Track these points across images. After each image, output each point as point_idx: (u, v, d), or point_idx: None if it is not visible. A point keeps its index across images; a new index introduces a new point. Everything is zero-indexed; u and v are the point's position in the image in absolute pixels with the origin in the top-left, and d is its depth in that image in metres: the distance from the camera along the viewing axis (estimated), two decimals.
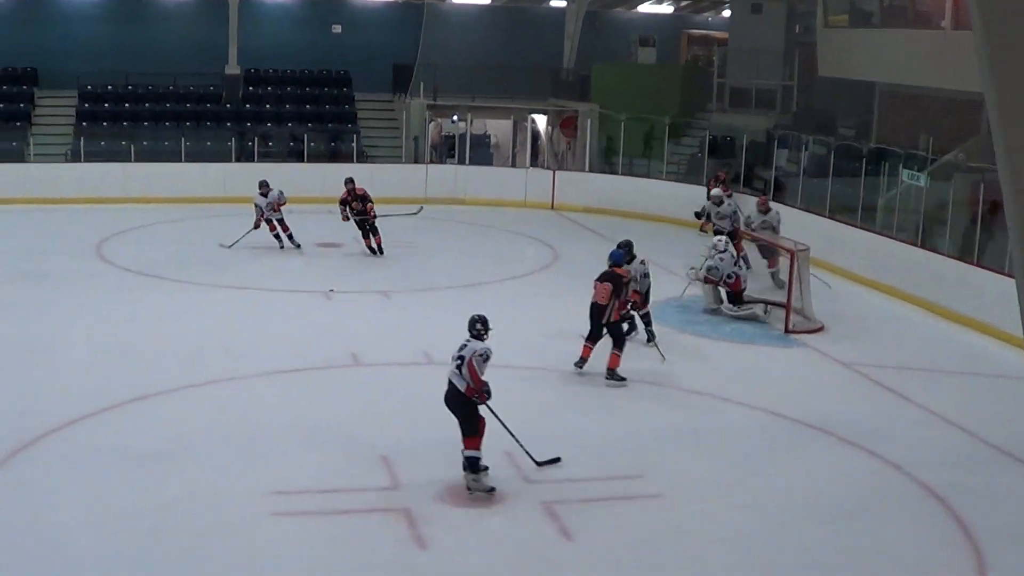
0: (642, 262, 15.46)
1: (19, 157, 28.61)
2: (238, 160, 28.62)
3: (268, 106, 32.79)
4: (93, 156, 28.12)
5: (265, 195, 21.18)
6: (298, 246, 21.59)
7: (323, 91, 33.95)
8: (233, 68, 32.32)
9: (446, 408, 10.34)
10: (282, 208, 21.49)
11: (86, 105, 31.57)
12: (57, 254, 21.47)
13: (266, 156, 29.42)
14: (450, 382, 10.33)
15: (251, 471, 10.78)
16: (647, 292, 15.62)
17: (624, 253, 14.68)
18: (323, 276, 19.67)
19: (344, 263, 20.70)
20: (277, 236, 21.49)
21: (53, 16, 34.35)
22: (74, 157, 28.60)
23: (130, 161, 27.90)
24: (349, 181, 21.18)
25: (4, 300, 17.65)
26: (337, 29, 35.51)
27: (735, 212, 20.25)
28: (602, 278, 13.87)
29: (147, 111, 31.72)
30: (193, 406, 12.88)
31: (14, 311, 16.93)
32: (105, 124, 30.65)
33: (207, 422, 12.25)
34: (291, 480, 10.62)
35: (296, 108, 32.76)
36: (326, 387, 13.66)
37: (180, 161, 28.04)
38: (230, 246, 20.69)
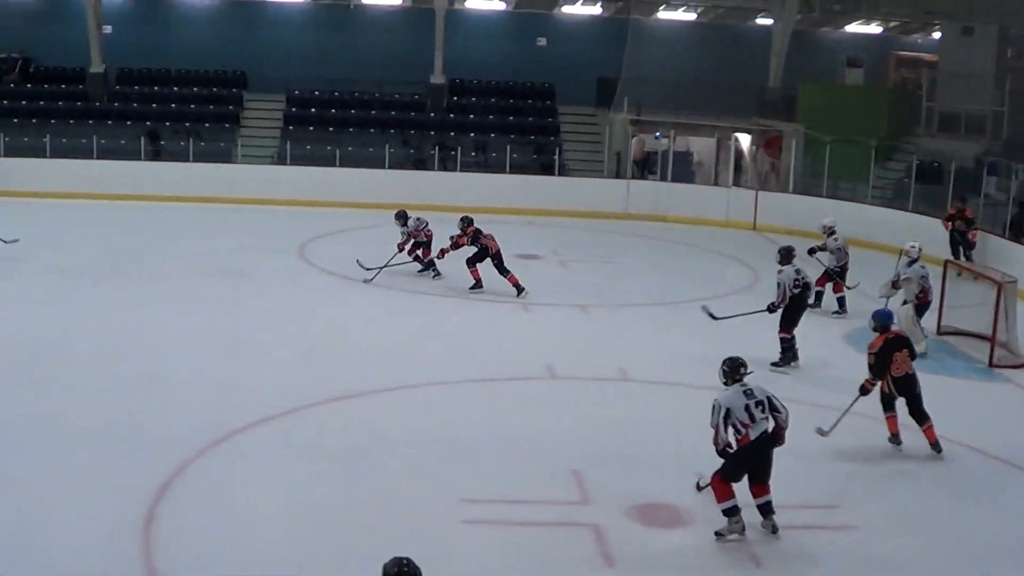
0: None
1: (227, 158, 29.94)
2: (440, 169, 29.07)
3: (472, 116, 33.26)
4: (299, 159, 29.28)
5: (404, 225, 20.70)
6: (436, 275, 20.47)
7: (527, 103, 34.37)
8: (438, 78, 33.01)
9: (758, 455, 9.78)
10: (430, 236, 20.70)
11: (293, 109, 32.79)
12: (261, 253, 22.43)
13: (467, 166, 29.93)
14: (763, 430, 9.73)
15: (444, 477, 10.91)
16: None
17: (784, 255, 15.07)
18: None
19: (543, 275, 20.71)
20: (418, 259, 20.75)
21: (263, 21, 35.95)
22: (280, 160, 29.78)
23: (334, 166, 28.89)
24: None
25: (208, 296, 18.52)
26: (542, 42, 35.91)
27: (840, 248, 19.49)
28: (897, 346, 12.01)
29: (352, 117, 32.65)
30: (389, 409, 13.16)
31: (218, 307, 17.75)
32: (311, 129, 31.77)
33: (402, 425, 12.47)
34: (482, 488, 10.69)
35: (499, 119, 33.16)
36: (521, 398, 13.73)
37: (383, 168, 28.76)
38: (370, 280, 20.05)
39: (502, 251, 19.05)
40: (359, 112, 32.81)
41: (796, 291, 15.05)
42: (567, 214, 27.12)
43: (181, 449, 11.20)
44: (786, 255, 15.37)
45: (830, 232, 19.25)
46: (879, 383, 11.89)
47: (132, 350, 15.07)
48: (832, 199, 27.62)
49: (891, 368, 11.86)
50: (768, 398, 9.73)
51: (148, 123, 31.80)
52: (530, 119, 33.54)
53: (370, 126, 32.09)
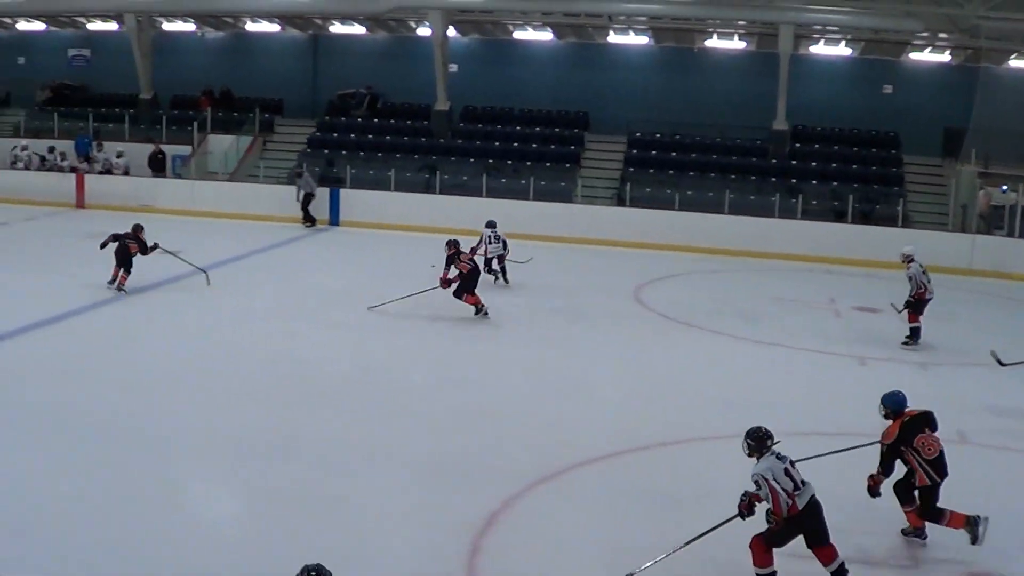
0: None
1: (567, 197, 31.32)
2: (780, 216, 29.79)
3: (814, 164, 33.53)
4: (638, 201, 30.62)
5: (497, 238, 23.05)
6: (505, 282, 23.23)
7: (870, 151, 34.45)
8: (781, 123, 33.49)
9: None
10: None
11: (634, 151, 34.15)
12: (596, 293, 23.47)
13: (808, 214, 30.42)
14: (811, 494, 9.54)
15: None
16: None
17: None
18: (858, 341, 19.82)
19: (880, 328, 20.63)
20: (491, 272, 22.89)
21: (606, 62, 37.49)
22: (619, 201, 31.09)
23: (673, 209, 29.94)
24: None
25: (543, 334, 19.61)
26: (888, 89, 35.92)
27: (913, 277, 19.08)
28: (929, 424, 10.74)
29: (693, 161, 33.51)
30: (721, 457, 12.69)
31: (552, 345, 18.75)
32: (651, 171, 33.06)
33: (727, 473, 11.84)
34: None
35: (841, 167, 33.30)
36: (860, 453, 13.46)
37: (722, 213, 29.66)
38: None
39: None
40: (699, 156, 33.65)
41: None
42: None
43: (507, 484, 11.76)
44: None
45: (909, 260, 19.50)
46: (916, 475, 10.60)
47: (464, 382, 16.16)
48: None
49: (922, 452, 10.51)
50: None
51: (489, 160, 33.88)
52: (873, 168, 33.61)
53: (710, 170, 32.89)
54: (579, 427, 14.15)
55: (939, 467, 10.53)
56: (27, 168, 36.13)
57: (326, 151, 35.07)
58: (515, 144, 35.13)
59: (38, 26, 41.94)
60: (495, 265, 23.18)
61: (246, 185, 34.33)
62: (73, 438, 12.97)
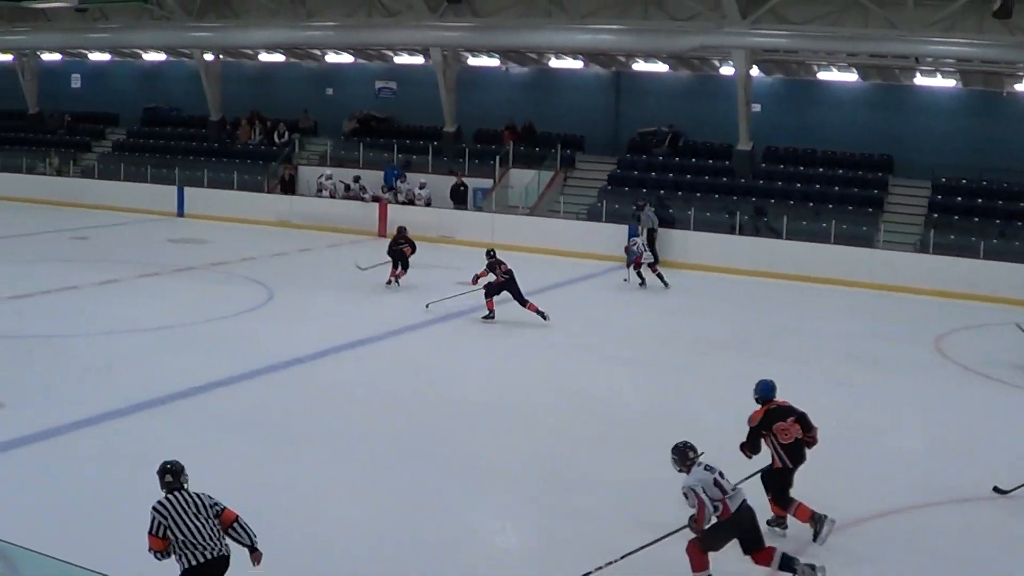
0: None
1: (868, 242, 31.52)
2: None
3: None
4: (941, 248, 30.45)
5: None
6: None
7: None
8: None
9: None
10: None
11: (939, 197, 33.98)
12: (894, 341, 23.62)
13: None
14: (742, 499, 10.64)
15: None
16: None
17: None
18: None
19: None
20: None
21: (911, 105, 37.47)
22: (922, 247, 31.07)
23: (978, 258, 29.77)
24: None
25: (837, 379, 19.74)
26: None
27: None
28: (794, 417, 12.14)
29: (1000, 208, 33.11)
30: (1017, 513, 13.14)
31: (842, 391, 18.86)
32: (956, 218, 32.72)
33: None
34: None
35: None
36: None
37: None
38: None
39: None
40: (1007, 203, 33.24)
41: None
42: None
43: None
44: None
45: None
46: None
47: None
48: None
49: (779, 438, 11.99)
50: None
51: (753, 200, 34.53)
52: None
53: (1018, 219, 32.48)
54: (870, 476, 14.40)
55: (793, 454, 12.00)
56: (332, 196, 38.83)
57: (626, 188, 36.18)
58: (817, 186, 35.42)
59: (346, 59, 44.82)
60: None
61: (546, 220, 35.85)
62: (366, 457, 14.51)
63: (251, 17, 40.45)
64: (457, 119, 40.58)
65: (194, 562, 8.70)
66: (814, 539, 11.73)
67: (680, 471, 10.67)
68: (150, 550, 8.83)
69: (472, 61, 42.18)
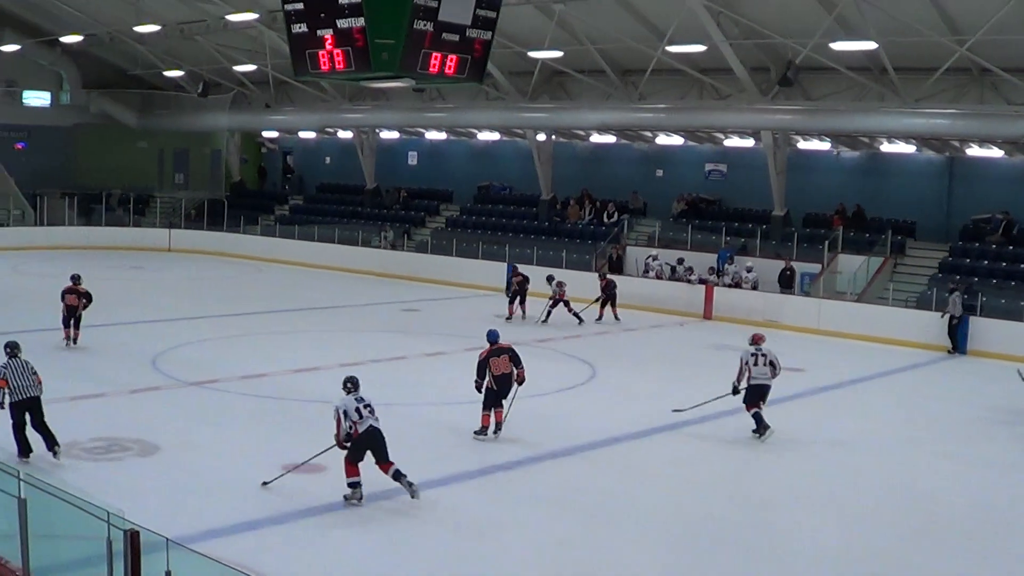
0: None
1: None
2: None
3: None
4: None
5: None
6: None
7: None
8: None
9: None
10: None
11: None
12: None
13: None
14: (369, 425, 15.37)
15: None
16: None
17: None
18: None
19: None
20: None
21: None
22: None
23: None
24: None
25: None
26: None
27: None
28: (509, 355, 19.54)
29: None
30: None
31: None
32: None
33: None
34: None
35: None
36: None
37: None
38: None
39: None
40: None
41: None
42: None
43: None
44: None
45: None
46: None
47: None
48: None
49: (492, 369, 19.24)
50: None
51: None
52: None
53: None
54: None
55: (501, 381, 19.26)
56: (658, 277, 40.25)
57: (958, 276, 36.14)
58: None
59: (677, 140, 46.67)
60: None
61: (875, 307, 36.05)
62: (680, 543, 15.38)
63: (584, 99, 42.86)
64: (786, 202, 41.73)
65: None
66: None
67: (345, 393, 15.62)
68: None
69: (802, 145, 43.27)
